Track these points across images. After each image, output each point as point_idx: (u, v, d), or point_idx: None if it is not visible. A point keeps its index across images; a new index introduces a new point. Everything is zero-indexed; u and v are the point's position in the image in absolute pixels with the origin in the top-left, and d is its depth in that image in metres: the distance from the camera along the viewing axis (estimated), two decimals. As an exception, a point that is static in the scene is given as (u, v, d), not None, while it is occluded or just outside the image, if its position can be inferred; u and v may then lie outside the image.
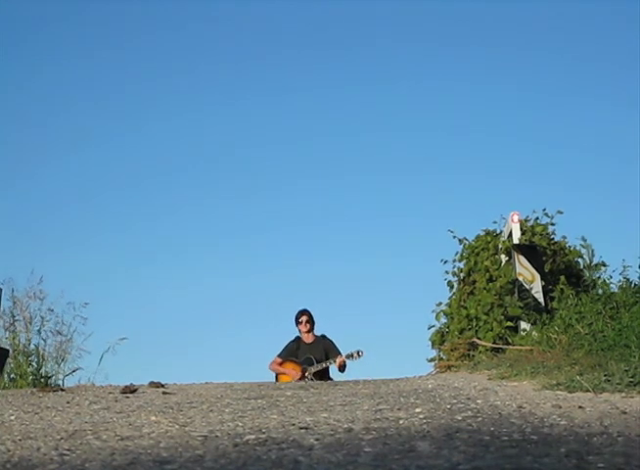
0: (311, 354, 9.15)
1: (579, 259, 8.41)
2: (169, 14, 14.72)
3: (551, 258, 8.26)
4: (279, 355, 9.34)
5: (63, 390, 5.13)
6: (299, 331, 9.40)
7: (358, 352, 8.89)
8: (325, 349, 9.23)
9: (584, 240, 8.21)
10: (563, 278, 7.77)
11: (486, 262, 8.31)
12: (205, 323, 10.90)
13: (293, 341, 9.41)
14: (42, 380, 6.11)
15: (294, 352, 9.26)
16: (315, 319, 9.64)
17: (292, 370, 9.10)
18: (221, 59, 14.91)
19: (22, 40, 14.23)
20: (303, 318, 9.38)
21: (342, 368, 8.99)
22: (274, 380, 9.02)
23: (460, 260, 8.74)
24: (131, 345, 10.52)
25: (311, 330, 9.34)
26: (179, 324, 10.71)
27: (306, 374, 8.95)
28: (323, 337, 9.36)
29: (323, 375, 9.00)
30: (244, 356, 7.30)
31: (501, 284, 7.96)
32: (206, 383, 6.15)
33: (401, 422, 2.81)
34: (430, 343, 8.56)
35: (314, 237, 13.98)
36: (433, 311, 8.55)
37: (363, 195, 14.36)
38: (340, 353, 9.01)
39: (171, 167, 14.22)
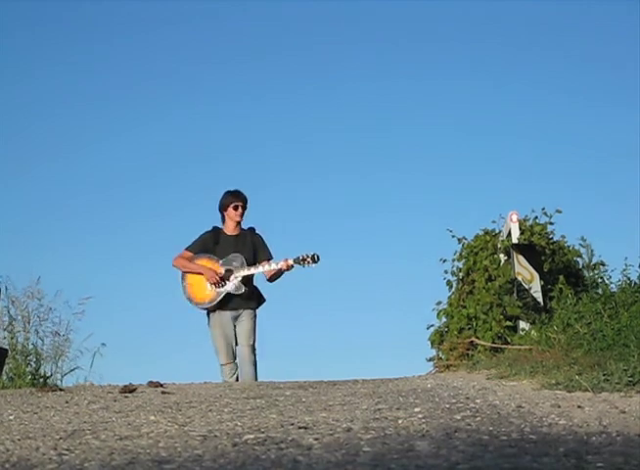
0: (238, 252, 6.68)
1: (578, 259, 8.42)
2: (169, 13, 14.71)
3: (550, 258, 8.26)
4: (189, 248, 6.78)
5: (61, 389, 5.13)
6: (223, 219, 6.85)
7: (314, 257, 6.56)
8: (254, 246, 6.79)
9: (584, 240, 8.22)
10: (562, 278, 7.77)
11: (485, 262, 8.31)
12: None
13: (209, 231, 6.86)
14: (41, 380, 6.10)
15: (211, 247, 6.75)
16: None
17: (208, 269, 6.63)
18: (221, 58, 14.90)
19: (21, 40, 14.23)
20: (239, 203, 6.79)
21: (275, 276, 6.71)
22: (180, 283, 6.76)
23: (459, 260, 8.74)
24: (130, 344, 10.51)
25: (240, 221, 6.85)
26: (179, 323, 10.68)
27: (232, 278, 6.59)
28: (252, 231, 6.89)
29: (249, 280, 6.72)
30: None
31: (500, 283, 7.97)
32: (205, 382, 6.15)
33: (400, 422, 2.81)
34: (429, 342, 8.56)
35: (313, 236, 13.97)
36: (432, 310, 8.55)
37: (362, 194, 14.35)
38: (271, 256, 6.73)
39: (171, 167, 14.20)
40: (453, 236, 8.78)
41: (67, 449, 2.33)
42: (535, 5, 14.14)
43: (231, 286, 6.63)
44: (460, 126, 14.34)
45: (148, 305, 12.65)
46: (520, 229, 8.14)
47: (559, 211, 8.41)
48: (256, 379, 6.79)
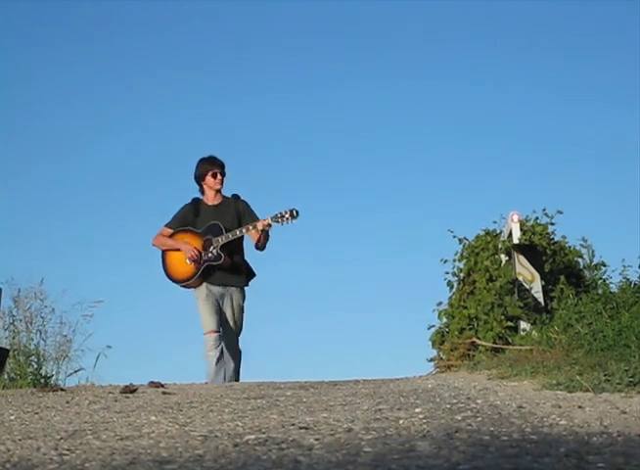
0: (218, 220, 6.31)
1: (579, 259, 8.42)
2: (169, 13, 14.71)
3: (551, 258, 8.27)
4: (168, 225, 6.47)
5: (63, 390, 5.13)
6: (202, 190, 6.48)
7: (292, 212, 6.10)
8: (238, 213, 6.41)
9: (585, 240, 8.22)
10: (562, 278, 7.78)
11: (486, 262, 8.31)
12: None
13: (188, 204, 6.51)
14: (42, 380, 6.11)
15: (191, 220, 6.41)
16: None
17: (186, 244, 6.29)
18: (221, 58, 14.90)
19: (21, 40, 14.24)
20: (218, 170, 6.43)
21: (262, 239, 6.26)
22: (161, 262, 6.45)
23: (460, 260, 8.74)
24: (131, 344, 10.51)
25: (221, 189, 6.48)
26: (179, 323, 10.69)
27: (211, 248, 6.21)
28: (235, 197, 6.51)
29: (234, 250, 6.33)
30: (243, 356, 7.24)
31: (501, 284, 7.96)
32: (206, 383, 6.15)
33: (401, 422, 2.81)
34: (429, 342, 8.55)
35: (313, 236, 13.96)
36: (434, 311, 8.55)
37: (362, 194, 14.35)
38: (258, 219, 6.28)
39: (171, 167, 14.20)
40: (454, 236, 8.78)
41: (67, 450, 2.33)
42: (535, 5, 14.14)
43: (210, 256, 6.23)
44: (460, 126, 14.33)
45: (148, 305, 12.66)
46: (521, 230, 8.13)
47: (560, 212, 8.42)
48: (238, 375, 6.42)
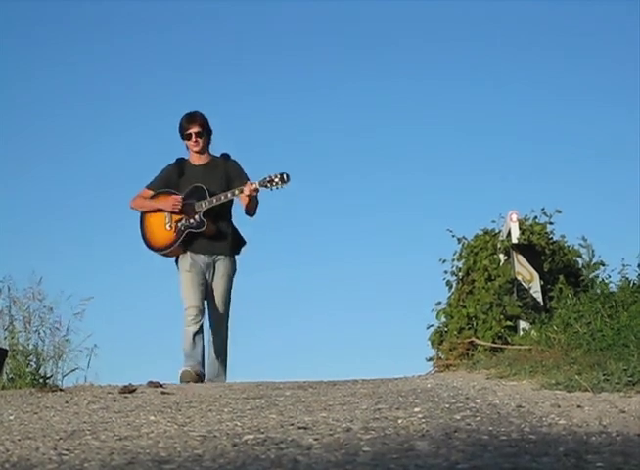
0: (202, 183, 5.77)
1: (578, 259, 8.42)
2: (169, 14, 14.71)
3: (550, 258, 8.27)
4: (149, 186, 5.98)
5: (61, 390, 5.13)
6: (188, 149, 5.94)
7: (282, 177, 5.57)
8: (227, 175, 5.86)
9: (584, 239, 8.22)
10: (561, 277, 7.78)
11: (485, 262, 8.31)
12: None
13: (172, 164, 6.00)
14: (41, 380, 6.10)
15: (174, 182, 5.90)
16: (212, 128, 5.94)
17: (165, 200, 5.79)
18: (222, 58, 14.89)
19: (21, 40, 14.23)
20: (192, 130, 5.83)
21: (252, 204, 5.75)
22: (139, 228, 6.00)
23: (459, 260, 8.74)
24: (130, 344, 10.50)
25: (206, 148, 5.92)
26: (179, 323, 10.70)
27: (195, 212, 5.69)
28: (225, 157, 5.94)
29: (220, 216, 5.81)
30: (242, 356, 7.21)
31: (500, 283, 7.96)
32: (205, 382, 6.15)
33: (400, 421, 2.81)
34: (428, 342, 8.55)
35: (313, 236, 13.97)
36: (432, 310, 8.55)
37: (362, 194, 14.34)
38: (248, 180, 5.74)
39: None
40: (453, 236, 8.78)
41: (66, 450, 2.33)
42: (535, 5, 14.13)
43: (191, 222, 5.71)
44: (460, 126, 14.32)
45: (148, 304, 12.64)
46: (519, 229, 8.14)
47: (558, 212, 8.42)
48: (225, 365, 6.03)
